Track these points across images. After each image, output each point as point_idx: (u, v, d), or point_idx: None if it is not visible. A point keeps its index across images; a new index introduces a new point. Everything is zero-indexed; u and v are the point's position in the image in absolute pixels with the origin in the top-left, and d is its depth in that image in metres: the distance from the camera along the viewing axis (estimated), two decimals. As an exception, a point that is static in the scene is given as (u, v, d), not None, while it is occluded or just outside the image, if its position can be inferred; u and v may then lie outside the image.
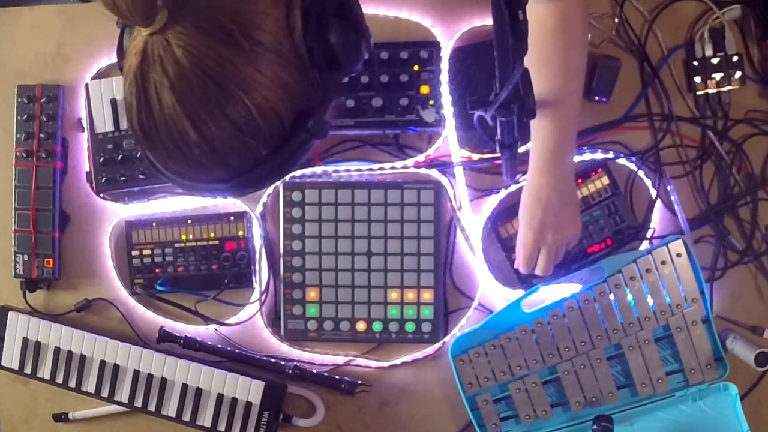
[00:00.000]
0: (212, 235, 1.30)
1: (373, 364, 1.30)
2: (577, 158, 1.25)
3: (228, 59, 0.66)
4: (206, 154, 0.68)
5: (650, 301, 1.19)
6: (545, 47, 1.02)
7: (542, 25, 1.01)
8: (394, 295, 1.27)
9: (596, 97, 1.25)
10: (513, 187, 1.26)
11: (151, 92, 0.67)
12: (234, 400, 1.27)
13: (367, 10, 1.28)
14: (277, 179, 0.75)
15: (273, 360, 1.30)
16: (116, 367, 1.30)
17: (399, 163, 1.28)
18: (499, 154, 1.09)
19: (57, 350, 1.31)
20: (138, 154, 1.29)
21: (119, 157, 1.29)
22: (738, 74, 1.23)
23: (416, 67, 1.24)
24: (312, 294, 1.28)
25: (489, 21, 0.94)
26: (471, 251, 1.27)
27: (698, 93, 1.25)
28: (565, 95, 1.07)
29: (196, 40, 0.65)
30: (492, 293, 1.27)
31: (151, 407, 1.29)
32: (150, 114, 0.68)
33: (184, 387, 1.28)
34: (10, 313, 1.33)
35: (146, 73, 0.66)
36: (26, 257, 1.32)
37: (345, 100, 1.22)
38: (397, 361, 1.30)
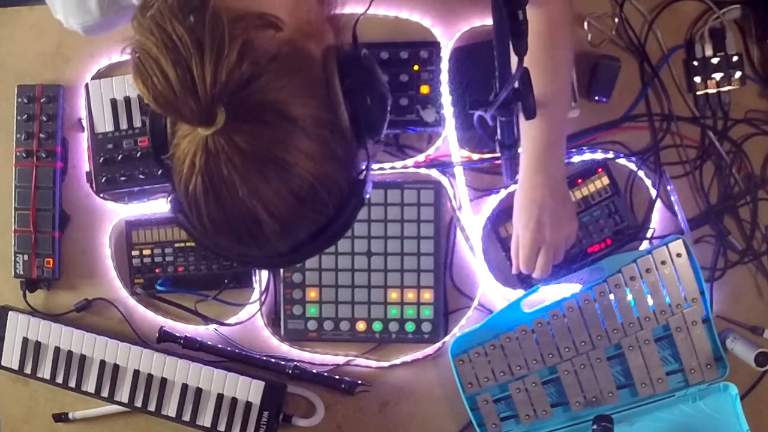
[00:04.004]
0: (212, 235, 1.30)
1: (373, 364, 1.30)
2: (576, 158, 1.26)
3: (291, 144, 0.68)
4: (277, 234, 0.71)
5: (650, 301, 1.19)
6: (533, 50, 1.03)
7: (530, 29, 1.02)
8: (394, 295, 1.26)
9: (596, 97, 1.25)
10: (513, 187, 1.26)
11: (220, 187, 0.68)
12: (234, 400, 1.27)
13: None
14: (332, 244, 0.78)
15: (273, 360, 1.30)
16: (116, 367, 1.30)
17: (399, 163, 1.28)
18: (499, 154, 1.09)
19: (57, 350, 1.32)
20: (138, 154, 1.29)
21: (119, 157, 1.29)
22: (738, 74, 1.23)
23: (416, 67, 1.24)
24: (312, 294, 1.28)
25: (489, 21, 0.94)
26: (471, 251, 1.27)
27: (698, 93, 1.25)
28: (554, 95, 1.08)
29: (258, 132, 0.67)
30: (492, 293, 1.27)
31: (151, 407, 1.29)
32: (221, 207, 0.69)
33: (184, 387, 1.28)
34: (10, 313, 1.33)
35: (213, 170, 0.68)
36: (26, 257, 1.32)
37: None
38: (397, 361, 1.30)
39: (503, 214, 1.26)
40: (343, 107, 0.72)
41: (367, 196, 0.77)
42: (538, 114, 1.03)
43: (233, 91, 0.65)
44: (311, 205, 0.71)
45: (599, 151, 1.26)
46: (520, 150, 1.12)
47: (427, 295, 1.26)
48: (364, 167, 0.77)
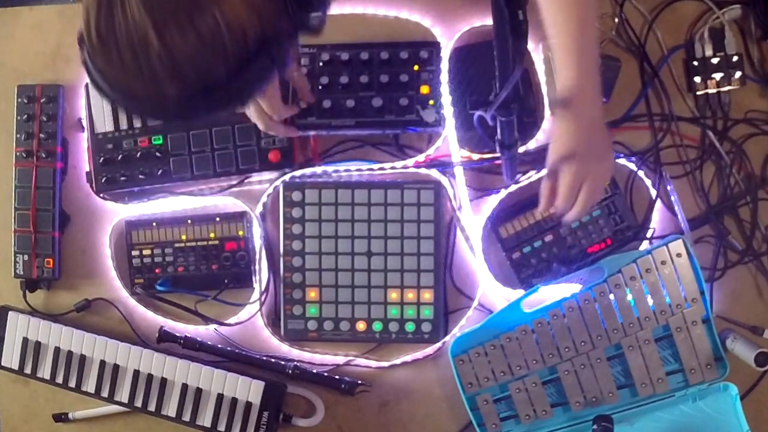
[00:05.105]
0: (212, 235, 1.30)
1: (373, 364, 1.30)
2: (577, 158, 1.25)
3: None
4: (164, 67, 0.67)
5: (650, 301, 1.19)
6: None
7: None
8: (394, 295, 1.26)
9: (596, 97, 1.25)
10: (513, 187, 1.26)
11: None
12: (234, 400, 1.27)
13: (367, 10, 1.29)
14: (228, 106, 0.74)
15: (273, 360, 1.30)
16: (116, 367, 1.30)
17: (399, 163, 1.28)
18: (499, 154, 1.09)
19: (57, 350, 1.32)
20: (138, 154, 1.29)
21: (119, 157, 1.29)
22: (738, 74, 1.23)
23: (416, 67, 1.24)
24: (312, 294, 1.28)
25: (489, 21, 0.94)
26: (471, 251, 1.27)
27: (698, 93, 1.25)
28: (584, 28, 0.99)
29: None
30: (492, 293, 1.27)
31: (151, 407, 1.29)
32: (111, 19, 0.66)
33: (184, 387, 1.28)
34: (10, 313, 1.33)
35: None
36: (26, 257, 1.32)
37: (344, 101, 1.22)
38: (397, 361, 1.30)
39: (503, 214, 1.26)
40: None
41: (286, 71, 0.73)
42: (571, 51, 0.95)
43: None
44: (208, 44, 0.67)
45: (599, 151, 1.26)
46: (522, 150, 1.11)
47: (427, 295, 1.26)
48: (288, 36, 0.73)
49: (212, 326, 1.32)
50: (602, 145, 1.07)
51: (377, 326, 1.27)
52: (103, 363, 1.30)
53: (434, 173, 1.28)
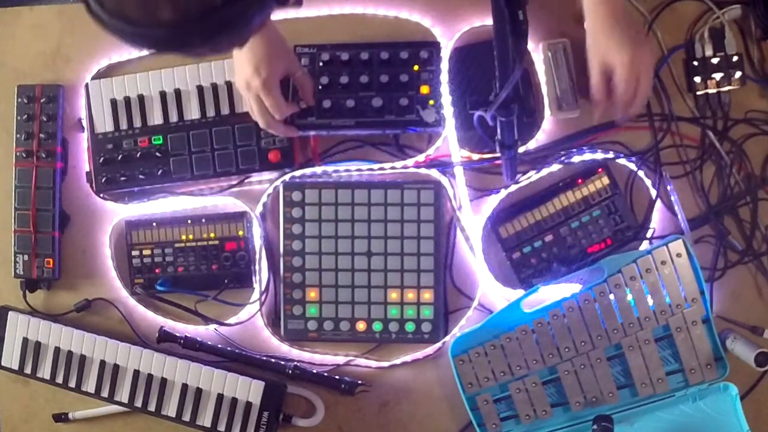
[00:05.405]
0: (212, 235, 1.30)
1: (373, 364, 1.30)
2: (577, 158, 1.25)
3: None
4: None
5: (650, 301, 1.19)
6: None
7: None
8: (394, 295, 1.26)
9: (596, 97, 1.25)
10: (513, 187, 1.26)
11: None
12: (234, 400, 1.27)
13: (367, 10, 1.29)
14: (222, 37, 0.73)
15: (273, 360, 1.30)
16: (116, 367, 1.30)
17: (399, 163, 1.28)
18: (499, 154, 1.09)
19: (57, 350, 1.32)
20: (138, 154, 1.29)
21: (119, 157, 1.29)
22: (738, 74, 1.23)
23: (416, 67, 1.24)
24: (312, 294, 1.28)
25: (489, 21, 0.94)
26: (471, 251, 1.27)
27: (698, 93, 1.25)
28: None
29: None
30: (492, 293, 1.27)
31: (151, 407, 1.29)
32: None
33: (184, 387, 1.28)
34: (10, 313, 1.33)
35: None
36: (26, 257, 1.32)
37: (344, 101, 1.23)
38: (397, 361, 1.30)
39: (503, 214, 1.26)
40: None
41: (285, 4, 0.73)
42: None
43: None
44: None
45: (599, 151, 1.26)
46: (522, 150, 1.11)
47: (427, 295, 1.26)
48: None
49: (212, 326, 1.32)
50: (638, 34, 1.13)
51: (377, 326, 1.27)
52: (103, 363, 1.30)
53: (434, 173, 1.28)
